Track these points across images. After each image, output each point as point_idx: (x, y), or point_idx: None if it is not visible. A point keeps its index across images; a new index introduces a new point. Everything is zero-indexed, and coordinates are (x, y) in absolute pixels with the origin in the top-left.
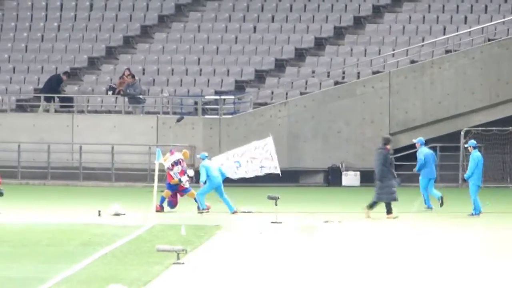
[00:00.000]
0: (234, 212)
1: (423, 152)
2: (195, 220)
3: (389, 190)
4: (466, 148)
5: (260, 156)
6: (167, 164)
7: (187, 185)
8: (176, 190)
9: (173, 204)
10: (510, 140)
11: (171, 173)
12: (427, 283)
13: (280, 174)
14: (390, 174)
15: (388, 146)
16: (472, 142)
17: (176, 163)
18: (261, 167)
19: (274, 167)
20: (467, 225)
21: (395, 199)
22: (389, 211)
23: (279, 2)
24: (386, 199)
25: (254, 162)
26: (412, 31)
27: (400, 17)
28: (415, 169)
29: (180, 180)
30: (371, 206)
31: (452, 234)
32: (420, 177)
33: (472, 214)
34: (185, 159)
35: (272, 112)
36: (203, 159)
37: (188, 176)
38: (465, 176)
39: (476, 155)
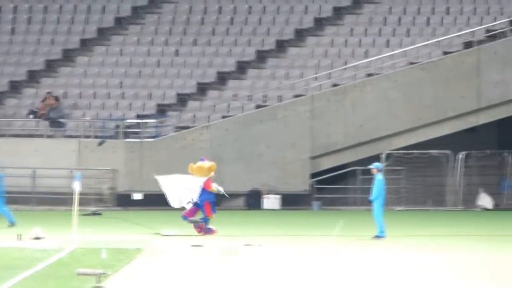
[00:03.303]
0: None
1: None
2: (116, 244)
3: None
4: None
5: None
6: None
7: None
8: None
9: (188, 216)
10: (431, 163)
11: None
12: None
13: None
14: None
15: None
16: (377, 164)
17: None
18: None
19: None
20: (385, 247)
21: None
22: None
23: (201, 25)
24: None
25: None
26: (335, 54)
27: (323, 40)
28: None
29: (218, 190)
30: None
31: (371, 256)
32: None
33: (377, 237)
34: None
35: (194, 135)
36: None
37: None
38: (371, 198)
39: (379, 178)
